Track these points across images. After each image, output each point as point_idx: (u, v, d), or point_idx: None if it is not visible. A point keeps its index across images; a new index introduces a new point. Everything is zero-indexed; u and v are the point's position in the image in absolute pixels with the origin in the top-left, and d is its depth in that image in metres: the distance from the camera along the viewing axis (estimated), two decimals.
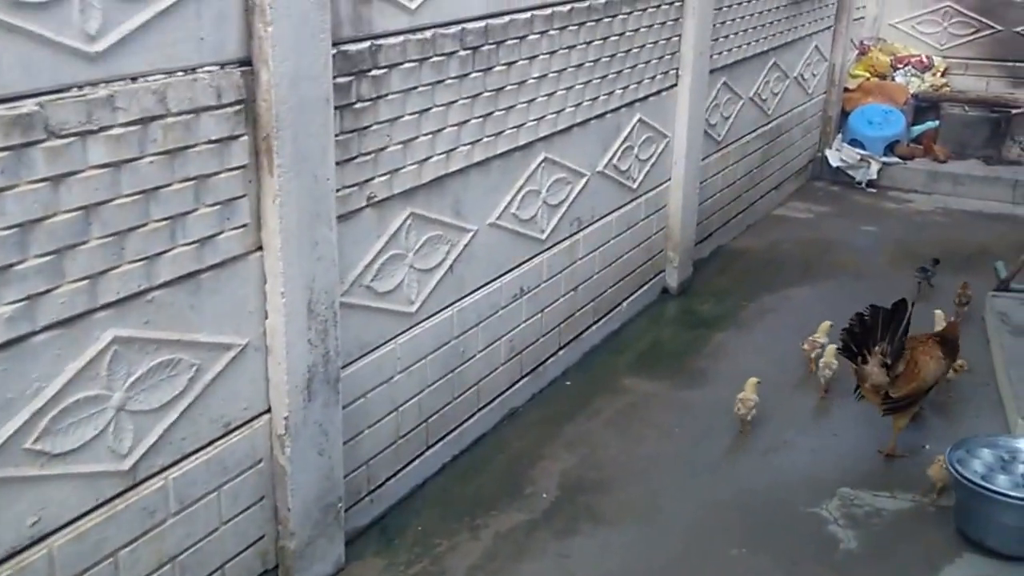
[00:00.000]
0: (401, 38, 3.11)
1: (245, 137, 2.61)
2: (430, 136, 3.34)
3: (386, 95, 3.10)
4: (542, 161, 4.04)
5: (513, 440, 3.98)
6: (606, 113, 4.47)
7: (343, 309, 3.06)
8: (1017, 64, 8.28)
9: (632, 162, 4.80)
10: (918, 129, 7.88)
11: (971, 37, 8.44)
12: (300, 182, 2.74)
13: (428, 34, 3.22)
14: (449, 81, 3.37)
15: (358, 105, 2.99)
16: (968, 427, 3.94)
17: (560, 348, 4.48)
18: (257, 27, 2.55)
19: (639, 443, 3.93)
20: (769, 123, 6.53)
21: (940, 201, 7.20)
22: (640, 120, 4.78)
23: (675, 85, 5.06)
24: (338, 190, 2.95)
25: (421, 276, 3.46)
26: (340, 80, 2.89)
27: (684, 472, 3.71)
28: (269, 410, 2.87)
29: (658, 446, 3.90)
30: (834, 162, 7.55)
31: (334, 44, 2.80)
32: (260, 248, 2.74)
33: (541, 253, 4.18)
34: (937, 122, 7.88)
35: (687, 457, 3.81)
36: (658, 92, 4.90)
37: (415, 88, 3.21)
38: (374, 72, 3.02)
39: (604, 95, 4.40)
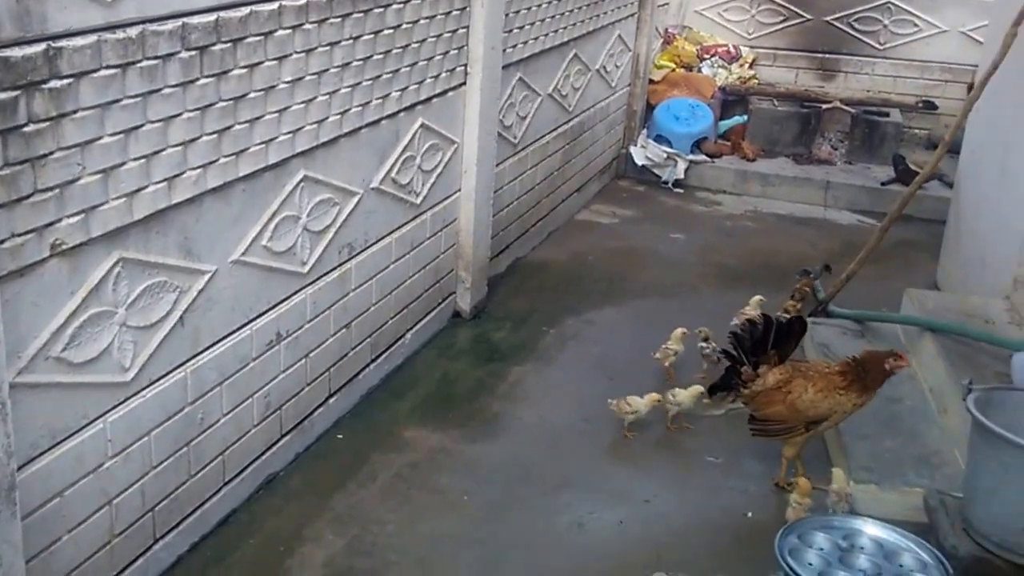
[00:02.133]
0: (93, 38, 2.54)
1: None
2: (143, 160, 2.78)
3: (73, 112, 2.52)
4: (300, 181, 3.55)
5: (269, 517, 3.51)
6: (381, 120, 4.03)
7: (19, 392, 2.49)
8: (827, 56, 8.55)
9: (415, 174, 4.39)
10: (726, 124, 7.96)
11: (780, 26, 8.64)
12: None
13: (133, 32, 2.65)
14: (168, 90, 2.82)
15: (30, 128, 2.40)
16: None
17: (330, 396, 4.03)
18: None
19: (420, 517, 3.54)
20: (570, 120, 6.30)
21: (750, 203, 7.27)
22: (423, 126, 4.37)
23: (463, 84, 4.69)
24: (2, 241, 2.36)
25: (138, 335, 2.91)
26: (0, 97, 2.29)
27: (473, 558, 3.36)
28: None
29: (443, 521, 3.53)
30: (639, 160, 7.47)
31: None
32: None
33: (303, 289, 3.71)
34: (745, 117, 7.98)
35: (477, 538, 3.46)
36: (443, 92, 4.51)
37: (117, 101, 2.65)
38: (53, 83, 2.44)
39: (377, 99, 3.95)
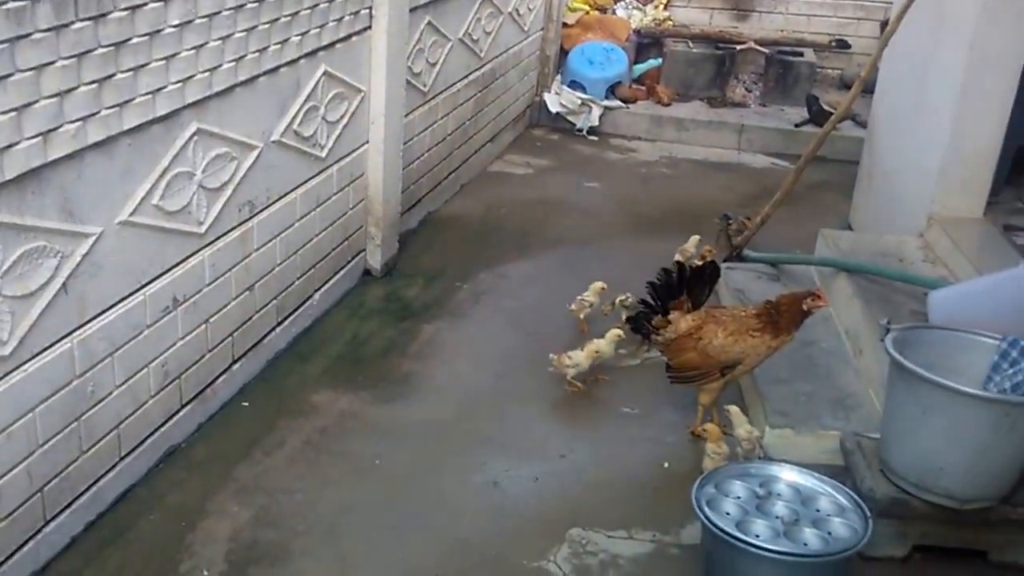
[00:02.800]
0: None
1: None
2: (12, 114, 2.59)
3: None
4: (194, 134, 3.38)
5: (171, 491, 3.39)
6: (280, 67, 3.86)
7: None
8: None
9: (319, 125, 4.23)
10: (641, 68, 7.92)
11: None
12: None
13: None
14: (38, 35, 2.62)
15: None
16: None
17: (234, 362, 3.89)
18: None
19: (330, 485, 3.46)
20: (482, 67, 6.18)
21: (665, 149, 7.27)
22: (326, 73, 4.20)
23: (368, 28, 4.52)
24: None
25: (15, 306, 2.74)
26: None
27: (385, 525, 3.29)
28: None
29: (353, 488, 3.46)
30: (553, 108, 7.39)
31: None
32: None
33: (201, 250, 3.55)
34: (660, 60, 7.95)
35: (389, 503, 3.40)
36: (347, 37, 4.34)
37: None
38: None
39: (276, 44, 3.78)
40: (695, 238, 5.02)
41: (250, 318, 3.96)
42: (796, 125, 7.32)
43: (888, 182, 5.43)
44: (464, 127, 6.04)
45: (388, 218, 4.93)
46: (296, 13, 3.87)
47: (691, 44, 8.00)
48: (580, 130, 7.36)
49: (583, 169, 6.75)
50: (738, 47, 7.79)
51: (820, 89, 8.00)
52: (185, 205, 3.41)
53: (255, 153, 3.78)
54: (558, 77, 7.59)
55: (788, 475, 3.31)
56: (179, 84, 3.24)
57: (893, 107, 5.53)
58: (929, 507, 3.18)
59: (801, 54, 7.92)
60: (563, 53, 7.65)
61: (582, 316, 4.51)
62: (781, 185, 5.32)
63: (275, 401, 3.92)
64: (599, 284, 4.57)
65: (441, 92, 5.57)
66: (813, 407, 3.85)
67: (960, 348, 3.34)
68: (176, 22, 3.16)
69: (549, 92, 7.47)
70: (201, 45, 3.32)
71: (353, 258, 4.80)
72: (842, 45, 8.11)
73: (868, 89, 8.01)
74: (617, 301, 4.53)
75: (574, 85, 7.49)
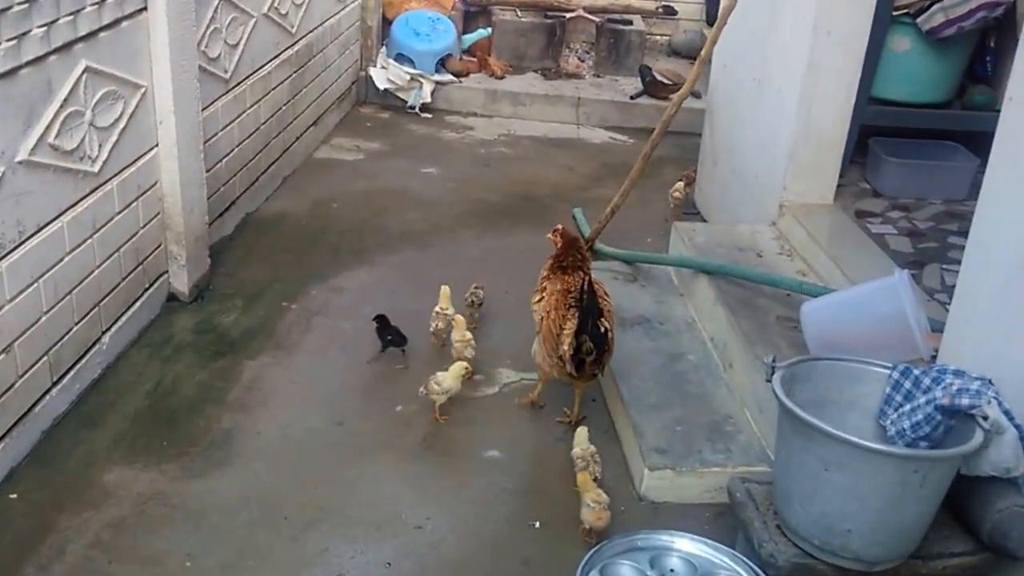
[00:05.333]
0: None
1: None
2: None
3: None
4: None
5: None
6: (19, 68, 2.78)
7: None
8: None
9: (86, 134, 3.17)
10: (470, 39, 7.00)
11: None
12: None
13: None
14: None
15: None
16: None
17: None
18: None
19: None
20: (295, 44, 5.12)
21: (503, 126, 6.43)
22: (89, 70, 3.13)
23: (144, 9, 3.44)
24: None
25: None
26: None
27: None
28: None
29: None
30: (381, 84, 6.40)
31: None
32: None
33: None
34: (490, 30, 7.05)
35: None
36: (115, 23, 3.27)
37: None
38: None
39: (9, 40, 2.69)
40: (446, 288, 3.77)
41: (12, 385, 2.92)
42: (632, 97, 6.62)
43: (733, 162, 4.82)
44: (281, 113, 5.01)
45: (192, 231, 3.90)
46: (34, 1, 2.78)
47: (519, 13, 7.13)
48: (412, 107, 6.42)
49: (418, 152, 5.83)
50: (567, 15, 6.99)
51: (651, 57, 7.33)
52: None
53: None
54: (383, 50, 6.59)
55: (681, 544, 2.63)
56: None
57: (733, 82, 4.89)
58: (836, 571, 2.57)
59: (630, 22, 7.21)
60: (386, 23, 6.64)
61: (433, 328, 3.71)
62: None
63: (54, 488, 2.91)
64: (446, 288, 3.77)
65: (248, 77, 4.51)
66: (690, 438, 3.19)
67: (851, 380, 2.74)
68: None
69: (375, 67, 6.47)
70: None
71: (152, 284, 3.77)
72: (669, 12, 7.45)
73: (695, 55, 7.43)
74: (469, 294, 3.86)
75: (401, 59, 6.51)
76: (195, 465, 3.06)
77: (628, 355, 3.57)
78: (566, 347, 3.11)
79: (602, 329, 3.10)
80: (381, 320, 3.64)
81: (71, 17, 2.97)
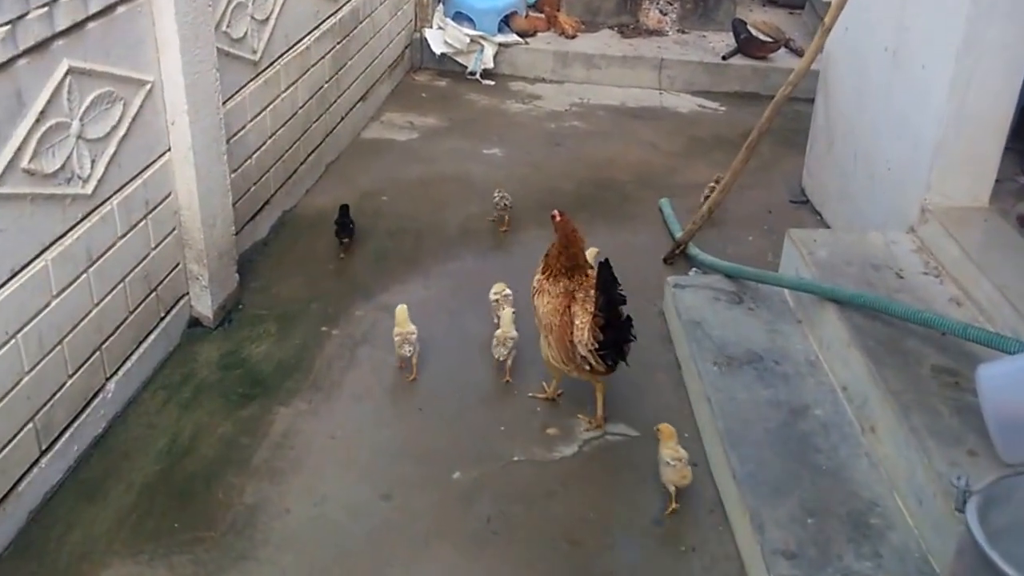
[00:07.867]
0: None
1: None
2: None
3: None
4: None
5: None
6: None
7: None
8: None
9: (73, 150, 2.58)
10: None
11: None
12: None
13: None
14: None
15: None
16: None
17: None
18: None
19: None
20: (338, 11, 4.45)
21: (575, 93, 5.69)
22: (73, 71, 2.52)
23: None
24: None
25: None
26: None
27: None
28: None
29: None
30: (437, 48, 5.71)
31: None
32: None
33: None
34: None
35: None
36: (107, 10, 2.64)
37: None
38: None
39: None
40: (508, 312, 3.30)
41: None
42: (724, 57, 5.81)
43: (855, 146, 4.03)
44: (322, 92, 4.36)
45: (216, 246, 3.32)
46: None
47: None
48: (472, 73, 5.71)
49: (480, 128, 5.14)
50: None
51: (744, 8, 6.47)
52: None
53: None
54: (440, 8, 5.86)
55: None
56: None
57: (857, 50, 4.07)
58: None
59: None
60: None
61: (498, 358, 3.19)
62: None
63: None
64: (509, 311, 3.26)
65: (281, 56, 3.87)
66: (826, 537, 2.52)
67: None
68: None
69: (431, 28, 5.76)
70: None
71: (169, 311, 3.21)
72: None
73: (786, 4, 6.55)
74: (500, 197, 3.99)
75: (459, 18, 5.79)
76: (210, 558, 2.50)
77: (738, 409, 2.91)
78: (585, 353, 2.82)
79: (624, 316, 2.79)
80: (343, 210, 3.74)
81: (44, 9, 2.35)
